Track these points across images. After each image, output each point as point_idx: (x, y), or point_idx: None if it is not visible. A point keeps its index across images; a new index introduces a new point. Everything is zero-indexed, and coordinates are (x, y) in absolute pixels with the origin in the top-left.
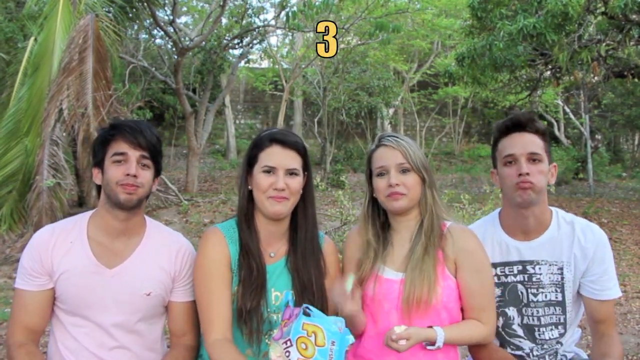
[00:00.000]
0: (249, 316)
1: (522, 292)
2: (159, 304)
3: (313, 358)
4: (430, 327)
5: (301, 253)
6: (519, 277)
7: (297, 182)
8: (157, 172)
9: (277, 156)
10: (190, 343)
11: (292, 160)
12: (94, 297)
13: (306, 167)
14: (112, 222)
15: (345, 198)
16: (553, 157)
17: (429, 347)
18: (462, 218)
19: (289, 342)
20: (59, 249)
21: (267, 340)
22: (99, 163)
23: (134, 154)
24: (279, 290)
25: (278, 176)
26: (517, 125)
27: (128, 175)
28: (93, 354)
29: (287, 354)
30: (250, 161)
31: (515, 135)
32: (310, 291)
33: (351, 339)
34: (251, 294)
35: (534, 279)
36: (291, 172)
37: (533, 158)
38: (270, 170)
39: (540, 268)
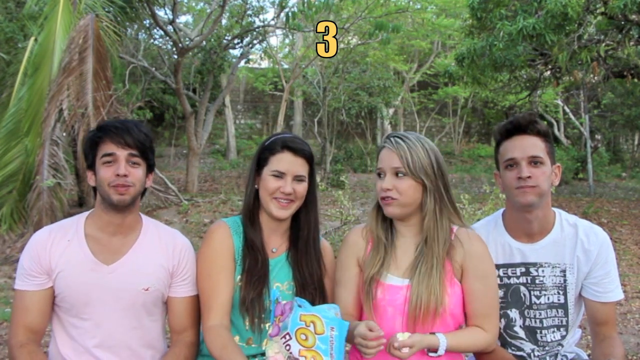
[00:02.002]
0: (252, 304)
1: (524, 294)
2: (158, 300)
3: (315, 347)
4: (433, 333)
5: (302, 250)
6: (522, 279)
7: (303, 188)
8: (150, 168)
9: (287, 162)
10: (190, 339)
11: (301, 167)
12: (93, 294)
13: (312, 173)
14: (109, 221)
15: (345, 198)
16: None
17: (430, 354)
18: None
19: (287, 336)
20: (57, 247)
21: (267, 327)
22: (91, 165)
23: (122, 153)
24: (280, 282)
25: (286, 181)
26: (518, 128)
27: (118, 175)
28: (93, 354)
29: (288, 347)
30: (260, 162)
31: (516, 138)
32: (312, 285)
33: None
34: (254, 283)
35: (536, 281)
36: (299, 179)
37: (534, 161)
38: (279, 175)
39: (543, 270)
